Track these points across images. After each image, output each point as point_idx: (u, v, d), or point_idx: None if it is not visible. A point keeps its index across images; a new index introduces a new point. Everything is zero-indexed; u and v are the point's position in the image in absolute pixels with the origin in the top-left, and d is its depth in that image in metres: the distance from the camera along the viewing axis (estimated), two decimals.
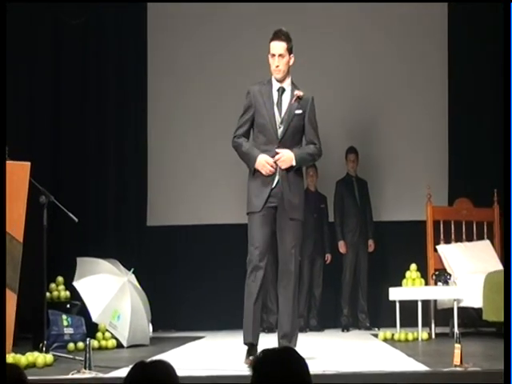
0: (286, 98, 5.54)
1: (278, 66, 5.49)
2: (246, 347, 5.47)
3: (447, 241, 8.41)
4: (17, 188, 5.97)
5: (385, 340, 7.61)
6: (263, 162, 5.42)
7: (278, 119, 5.49)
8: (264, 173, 5.43)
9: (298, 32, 9.43)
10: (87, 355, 4.99)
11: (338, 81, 9.72)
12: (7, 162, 5.95)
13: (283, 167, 5.45)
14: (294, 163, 5.46)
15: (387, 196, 9.64)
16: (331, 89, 9.61)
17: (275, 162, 5.43)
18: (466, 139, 9.53)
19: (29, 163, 6.10)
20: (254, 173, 5.50)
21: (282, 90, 5.54)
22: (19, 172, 6.02)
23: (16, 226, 5.95)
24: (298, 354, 2.52)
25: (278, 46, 5.49)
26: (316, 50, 9.64)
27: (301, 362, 2.50)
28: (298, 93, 5.52)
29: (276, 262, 6.19)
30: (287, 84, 5.56)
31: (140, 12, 9.76)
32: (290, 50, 5.52)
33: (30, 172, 6.07)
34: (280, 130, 5.48)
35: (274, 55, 5.50)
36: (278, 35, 5.52)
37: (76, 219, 6.51)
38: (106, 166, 9.54)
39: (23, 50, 8.88)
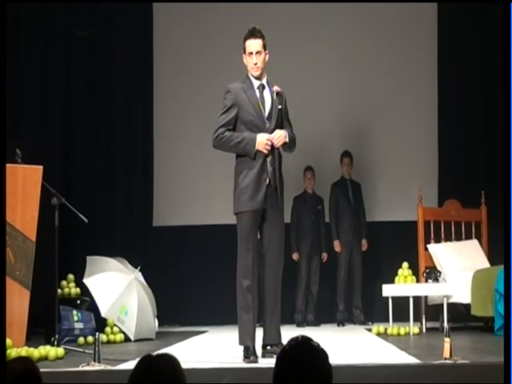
0: (267, 95, 5.37)
1: (256, 64, 5.31)
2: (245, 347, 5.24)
3: (437, 240, 8.40)
4: (30, 190, 5.97)
5: (378, 334, 7.59)
6: (265, 141, 5.22)
7: (264, 116, 5.32)
8: (265, 151, 5.21)
9: (293, 36, 9.53)
10: (96, 348, 4.98)
11: (331, 86, 9.64)
12: (22, 165, 5.96)
13: (279, 145, 5.27)
14: (286, 139, 5.31)
15: (380, 197, 9.62)
16: (325, 95, 9.57)
17: (272, 144, 5.24)
18: (454, 143, 9.51)
19: (41, 167, 6.09)
20: (244, 169, 5.29)
21: (262, 87, 5.37)
22: (32, 175, 6.01)
23: (29, 226, 5.94)
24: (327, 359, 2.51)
25: (254, 44, 5.30)
26: (309, 54, 9.61)
27: (330, 368, 2.50)
28: (276, 88, 5.37)
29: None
30: (265, 81, 5.40)
31: (146, 14, 9.70)
32: (265, 47, 5.34)
33: (42, 175, 6.06)
34: (267, 126, 5.30)
35: (251, 53, 5.31)
36: (254, 33, 5.32)
37: (86, 220, 6.50)
38: (114, 170, 9.52)
39: (36, 57, 8.87)
